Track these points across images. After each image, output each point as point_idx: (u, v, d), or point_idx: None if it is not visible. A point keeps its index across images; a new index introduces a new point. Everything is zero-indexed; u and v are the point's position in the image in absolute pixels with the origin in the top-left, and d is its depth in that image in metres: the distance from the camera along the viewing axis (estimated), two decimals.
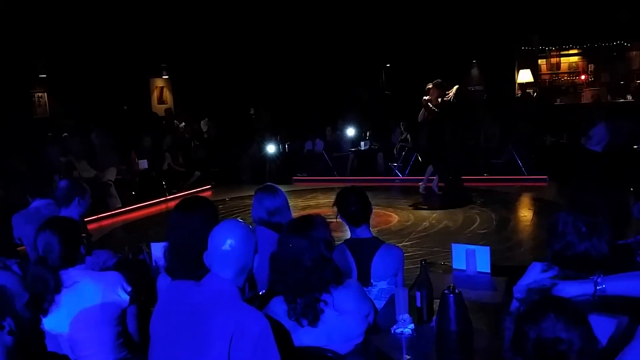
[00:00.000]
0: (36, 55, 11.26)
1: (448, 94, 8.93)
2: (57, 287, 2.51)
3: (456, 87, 9.01)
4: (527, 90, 14.17)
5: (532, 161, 10.70)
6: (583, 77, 15.49)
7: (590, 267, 1.99)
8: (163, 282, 2.71)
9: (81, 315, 2.54)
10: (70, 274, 2.59)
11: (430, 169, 9.45)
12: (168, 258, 2.52)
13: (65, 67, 11.45)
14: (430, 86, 9.03)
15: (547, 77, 15.82)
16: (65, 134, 10.50)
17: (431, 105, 8.98)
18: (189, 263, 2.33)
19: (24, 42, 10.22)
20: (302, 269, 2.34)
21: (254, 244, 2.18)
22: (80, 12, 10.79)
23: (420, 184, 9.52)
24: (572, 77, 15.66)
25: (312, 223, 2.46)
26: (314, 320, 2.32)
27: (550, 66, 15.79)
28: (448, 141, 9.04)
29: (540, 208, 8.40)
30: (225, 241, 2.11)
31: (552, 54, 15.62)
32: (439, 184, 9.35)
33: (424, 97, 9.05)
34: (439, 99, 8.91)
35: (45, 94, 12.22)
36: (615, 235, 2.31)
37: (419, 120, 9.26)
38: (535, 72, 14.99)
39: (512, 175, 10.37)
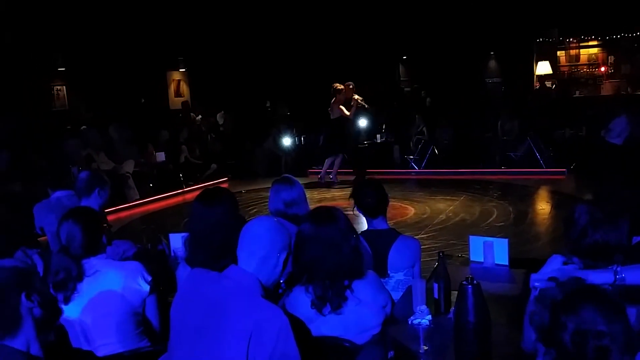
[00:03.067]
0: (55, 48, 11.37)
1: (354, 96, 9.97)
2: (80, 276, 2.56)
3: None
4: (546, 83, 14.01)
5: (550, 154, 10.60)
6: (603, 68, 15.27)
7: (608, 256, 1.97)
8: (183, 272, 2.74)
9: (102, 304, 2.58)
10: (92, 263, 2.63)
11: (329, 160, 10.17)
12: (188, 248, 2.55)
13: (83, 60, 11.55)
14: (342, 87, 9.90)
15: (566, 69, 15.61)
16: (84, 126, 10.61)
17: (362, 103, 9.96)
18: (209, 253, 2.35)
19: (43, 36, 10.33)
20: (341, 257, 2.36)
21: (283, 242, 2.15)
22: (99, 5, 10.88)
23: (320, 175, 10.23)
24: (592, 68, 15.44)
25: (339, 213, 2.50)
26: (337, 308, 2.33)
27: (570, 58, 15.58)
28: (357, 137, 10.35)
29: (559, 201, 8.33)
30: (251, 233, 2.13)
31: (571, 45, 15.41)
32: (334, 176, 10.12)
33: (355, 97, 9.89)
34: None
35: (64, 86, 12.35)
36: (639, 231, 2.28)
37: (337, 117, 9.91)
38: (554, 63, 14.79)
39: (530, 168, 10.29)
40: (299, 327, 2.18)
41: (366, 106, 10.18)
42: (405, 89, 15.54)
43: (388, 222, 3.31)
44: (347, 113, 9.89)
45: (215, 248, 2.43)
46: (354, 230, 2.52)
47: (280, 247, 2.14)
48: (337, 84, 9.97)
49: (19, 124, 9.33)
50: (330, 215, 2.48)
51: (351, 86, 10.02)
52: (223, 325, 2.00)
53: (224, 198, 2.68)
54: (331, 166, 10.25)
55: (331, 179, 10.17)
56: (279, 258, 2.13)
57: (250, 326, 1.95)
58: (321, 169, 10.46)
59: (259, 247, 2.11)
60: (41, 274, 1.89)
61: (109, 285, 2.60)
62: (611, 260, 1.94)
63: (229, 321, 1.99)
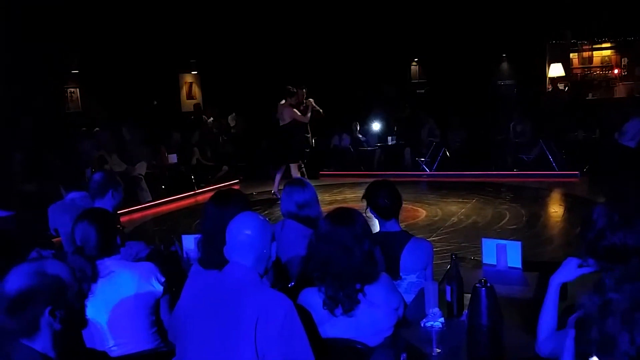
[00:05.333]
0: (69, 51, 11.47)
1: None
2: (94, 277, 2.58)
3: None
4: (559, 85, 13.90)
5: (563, 156, 10.53)
6: (616, 71, 15.11)
7: (626, 258, 1.95)
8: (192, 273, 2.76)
9: (116, 304, 2.60)
10: (106, 264, 2.66)
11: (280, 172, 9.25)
12: (201, 249, 2.57)
13: (97, 62, 11.65)
14: (295, 89, 9.28)
15: (579, 71, 15.48)
16: (97, 128, 10.70)
17: (318, 108, 9.44)
18: (222, 254, 2.37)
19: (58, 38, 10.42)
20: (352, 260, 2.36)
21: (271, 233, 2.26)
22: (112, 8, 10.96)
23: (275, 190, 9.17)
24: (605, 71, 15.28)
25: (358, 217, 2.50)
26: (348, 310, 2.34)
27: (583, 60, 15.44)
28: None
29: (572, 204, 8.27)
30: (242, 232, 2.20)
31: (584, 47, 15.27)
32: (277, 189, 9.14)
33: (310, 100, 9.38)
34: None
35: (78, 89, 12.45)
36: None
37: (288, 123, 9.18)
38: (567, 66, 14.67)
39: (543, 170, 10.23)
40: (307, 323, 2.22)
41: (321, 111, 9.65)
42: (418, 90, 15.49)
43: (400, 224, 3.30)
44: (303, 116, 9.28)
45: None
46: (370, 235, 2.51)
47: (270, 238, 2.25)
48: (290, 87, 9.28)
49: (34, 125, 9.41)
50: (348, 217, 2.48)
51: (304, 90, 9.51)
52: (231, 318, 2.06)
53: (237, 199, 2.71)
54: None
55: (274, 193, 9.17)
56: (271, 249, 2.25)
57: (255, 313, 2.03)
58: (331, 171, 10.24)
59: (253, 247, 2.19)
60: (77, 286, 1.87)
61: (123, 286, 2.62)
62: (628, 263, 1.92)
63: (235, 314, 2.06)
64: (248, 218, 2.27)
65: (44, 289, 1.72)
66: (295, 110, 9.23)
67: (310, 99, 9.50)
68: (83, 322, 1.88)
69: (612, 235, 2.00)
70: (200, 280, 2.48)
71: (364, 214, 3.24)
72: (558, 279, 2.17)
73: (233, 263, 2.20)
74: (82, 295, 1.86)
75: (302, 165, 10.24)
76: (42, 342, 1.72)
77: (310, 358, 2.08)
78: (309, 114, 9.40)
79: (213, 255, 2.49)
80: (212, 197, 2.76)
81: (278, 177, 9.34)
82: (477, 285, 2.17)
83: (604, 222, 2.02)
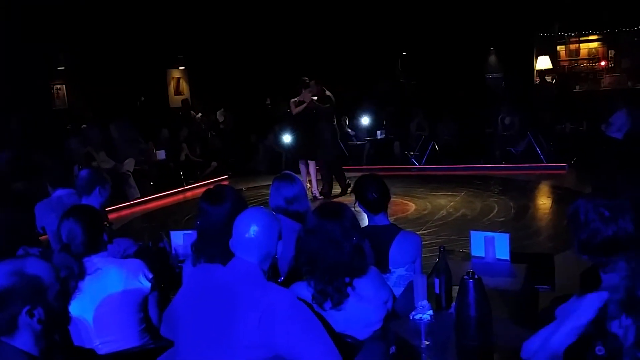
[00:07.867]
0: (55, 47, 11.35)
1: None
2: (81, 274, 2.56)
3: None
4: (546, 77, 13.98)
5: (550, 149, 10.60)
6: (603, 63, 15.24)
7: (620, 250, 1.96)
8: (188, 269, 2.76)
9: (104, 302, 2.59)
10: (93, 261, 2.64)
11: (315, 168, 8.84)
12: (197, 245, 2.56)
13: (82, 59, 11.55)
14: (307, 81, 8.86)
15: (566, 63, 15.59)
16: (84, 125, 10.62)
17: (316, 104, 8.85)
18: (217, 250, 2.37)
19: (43, 35, 10.31)
20: (341, 253, 2.37)
21: (278, 231, 2.23)
22: (98, 3, 10.86)
23: (314, 190, 8.84)
24: (592, 63, 15.40)
25: (346, 211, 2.50)
26: (338, 304, 2.34)
27: (570, 52, 15.55)
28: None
29: (559, 196, 8.34)
30: (249, 228, 2.16)
31: (571, 40, 15.38)
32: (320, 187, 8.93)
33: (327, 92, 8.89)
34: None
35: (64, 85, 12.35)
36: None
37: (299, 113, 8.81)
38: (554, 58, 14.76)
39: (531, 163, 10.29)
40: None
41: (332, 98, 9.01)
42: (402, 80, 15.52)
43: (389, 218, 3.31)
44: (295, 108, 8.84)
45: (223, 244, 2.45)
46: (358, 229, 2.51)
47: (277, 237, 2.23)
48: (306, 78, 8.93)
49: (20, 123, 9.31)
50: (335, 211, 2.49)
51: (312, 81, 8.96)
52: (232, 309, 2.04)
53: (230, 195, 2.71)
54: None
55: (316, 194, 8.86)
56: (277, 246, 2.24)
57: (260, 307, 2.00)
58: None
59: (260, 246, 2.17)
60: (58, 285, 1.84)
61: (111, 283, 2.61)
62: (622, 254, 1.93)
63: (238, 304, 2.04)
64: (257, 214, 2.22)
65: (21, 289, 1.70)
66: (292, 102, 8.91)
67: (310, 94, 8.82)
68: (65, 321, 1.86)
69: (605, 231, 1.99)
70: (203, 274, 2.45)
71: (353, 208, 3.25)
72: (578, 321, 1.74)
73: (238, 259, 2.18)
74: (64, 294, 1.83)
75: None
76: (22, 341, 1.70)
77: (328, 341, 2.06)
78: (300, 108, 8.81)
79: (208, 251, 2.50)
80: (204, 193, 2.75)
81: (303, 170, 8.93)
82: (464, 277, 2.17)
83: (592, 218, 2.01)
